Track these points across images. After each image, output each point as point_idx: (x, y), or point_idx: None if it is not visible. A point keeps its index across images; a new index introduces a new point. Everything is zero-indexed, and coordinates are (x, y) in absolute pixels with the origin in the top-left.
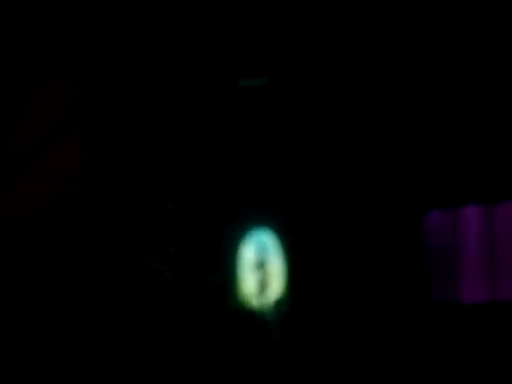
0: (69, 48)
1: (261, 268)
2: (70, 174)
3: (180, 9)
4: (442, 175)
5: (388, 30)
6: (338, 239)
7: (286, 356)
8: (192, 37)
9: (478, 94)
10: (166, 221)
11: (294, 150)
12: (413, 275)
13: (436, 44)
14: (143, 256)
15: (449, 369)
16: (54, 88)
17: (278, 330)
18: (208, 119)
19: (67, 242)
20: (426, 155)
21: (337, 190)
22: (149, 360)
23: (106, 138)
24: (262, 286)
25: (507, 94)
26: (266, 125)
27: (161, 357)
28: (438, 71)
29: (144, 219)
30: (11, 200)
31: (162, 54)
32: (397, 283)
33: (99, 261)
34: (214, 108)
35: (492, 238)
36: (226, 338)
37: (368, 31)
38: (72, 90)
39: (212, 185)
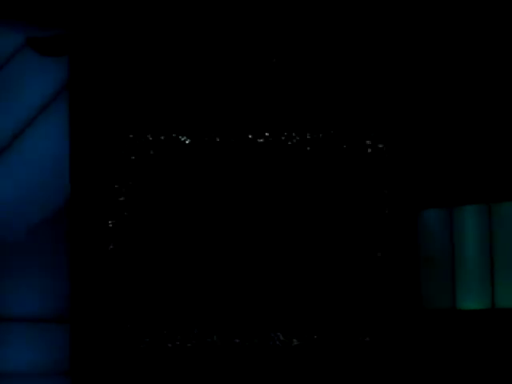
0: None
1: None
2: (55, 157)
3: None
4: (436, 172)
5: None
6: (329, 238)
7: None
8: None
9: (477, 94)
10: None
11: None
12: (405, 278)
13: (433, 43)
14: None
15: (445, 379)
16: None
17: None
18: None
19: None
20: (421, 152)
21: (328, 188)
22: None
23: (94, 123)
24: None
25: (505, 94)
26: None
27: None
28: (435, 71)
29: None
30: None
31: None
32: (388, 286)
33: None
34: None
35: (491, 239)
36: None
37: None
38: (60, 72)
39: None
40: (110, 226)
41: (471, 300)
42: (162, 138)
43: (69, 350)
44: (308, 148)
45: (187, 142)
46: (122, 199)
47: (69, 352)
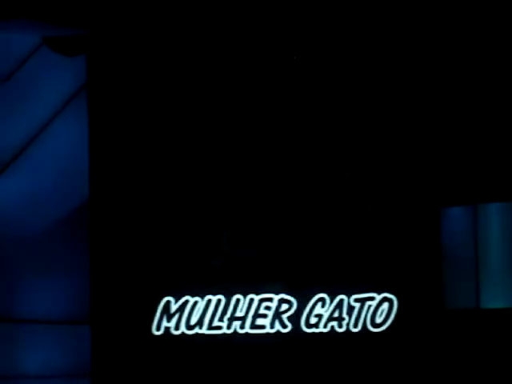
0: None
1: None
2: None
3: None
4: (460, 170)
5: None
6: (354, 236)
7: None
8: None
9: (503, 98)
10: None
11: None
12: (428, 277)
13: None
14: None
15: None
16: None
17: None
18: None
19: None
20: (443, 149)
21: (351, 188)
22: None
23: (113, 118)
24: None
25: None
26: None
27: None
28: (455, 68)
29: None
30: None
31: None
32: (411, 287)
33: None
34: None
35: None
36: None
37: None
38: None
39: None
40: (130, 223)
41: (496, 299)
42: (179, 134)
43: (90, 351)
44: (328, 150)
45: (206, 137)
46: (140, 196)
47: (90, 354)
